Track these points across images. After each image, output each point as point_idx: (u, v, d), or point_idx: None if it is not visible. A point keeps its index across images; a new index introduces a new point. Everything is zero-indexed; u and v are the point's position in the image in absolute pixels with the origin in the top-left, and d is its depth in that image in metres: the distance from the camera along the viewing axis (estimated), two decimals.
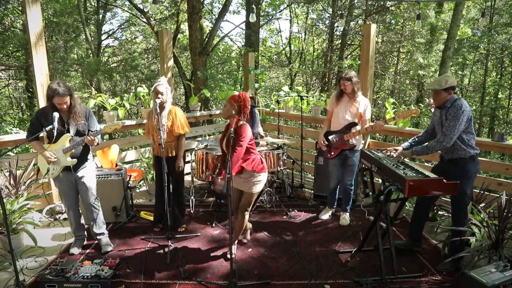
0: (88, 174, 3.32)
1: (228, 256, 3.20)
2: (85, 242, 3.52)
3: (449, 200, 3.79)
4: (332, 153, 4.02)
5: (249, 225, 3.64)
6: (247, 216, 3.30)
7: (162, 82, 3.55)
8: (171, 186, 3.66)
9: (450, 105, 2.97)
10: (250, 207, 3.28)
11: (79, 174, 3.26)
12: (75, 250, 3.37)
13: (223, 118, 3.24)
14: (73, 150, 3.18)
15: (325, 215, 4.24)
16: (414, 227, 3.44)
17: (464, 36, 13.84)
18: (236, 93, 3.14)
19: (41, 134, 3.18)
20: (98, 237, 3.46)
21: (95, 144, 3.21)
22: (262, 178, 3.18)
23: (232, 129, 2.95)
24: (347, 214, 4.16)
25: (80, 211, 3.48)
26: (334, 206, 4.32)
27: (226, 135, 3.19)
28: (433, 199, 3.44)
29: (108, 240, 3.50)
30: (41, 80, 3.92)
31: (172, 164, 3.66)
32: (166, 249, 3.39)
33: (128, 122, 4.82)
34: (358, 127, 3.91)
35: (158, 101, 3.46)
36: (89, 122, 3.26)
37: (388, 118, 3.93)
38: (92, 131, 3.21)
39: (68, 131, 3.16)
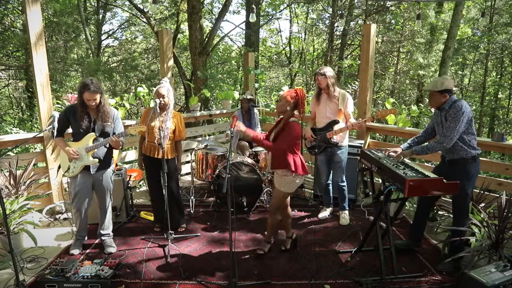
0: (108, 177, 3.37)
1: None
2: (84, 241, 3.52)
3: (449, 200, 3.79)
4: (316, 150, 4.04)
5: (291, 234, 3.51)
6: (278, 217, 3.27)
7: (164, 84, 3.55)
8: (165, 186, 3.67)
9: (449, 106, 2.96)
10: (279, 206, 3.23)
11: (99, 176, 3.29)
12: (75, 251, 3.36)
13: (277, 113, 3.23)
14: (95, 150, 3.19)
15: (323, 214, 4.24)
16: (416, 227, 3.44)
17: (464, 36, 13.84)
18: (286, 87, 3.14)
19: (68, 131, 3.25)
20: (102, 237, 3.48)
21: (120, 146, 3.25)
22: (292, 180, 3.10)
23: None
24: (346, 212, 4.16)
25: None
26: (331, 205, 4.32)
27: (275, 129, 3.20)
28: (435, 199, 3.44)
29: (112, 241, 3.51)
30: (41, 80, 3.92)
31: (168, 165, 3.68)
32: (166, 249, 3.39)
33: (128, 122, 4.82)
34: (342, 125, 3.91)
35: (158, 101, 3.46)
36: (115, 124, 3.29)
37: (368, 118, 3.95)
38: (118, 133, 3.23)
39: (93, 130, 3.18)
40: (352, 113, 3.98)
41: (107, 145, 3.29)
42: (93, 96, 3.05)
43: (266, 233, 3.48)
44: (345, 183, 4.11)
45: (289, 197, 3.32)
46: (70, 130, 3.31)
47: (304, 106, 3.08)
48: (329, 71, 3.86)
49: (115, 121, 3.30)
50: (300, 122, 3.14)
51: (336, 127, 3.88)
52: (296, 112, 3.10)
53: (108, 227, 3.50)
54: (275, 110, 3.23)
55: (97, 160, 3.22)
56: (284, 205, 3.29)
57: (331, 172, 4.14)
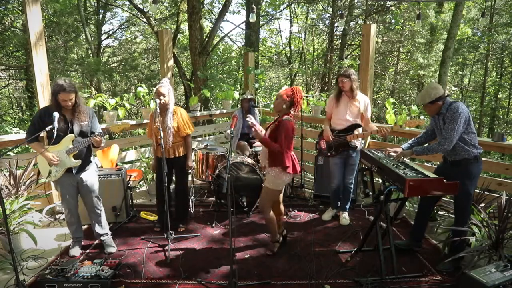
0: (91, 176, 3.30)
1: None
2: (84, 242, 3.52)
3: (450, 200, 3.80)
4: (333, 152, 4.00)
5: (282, 230, 3.52)
6: (270, 214, 3.27)
7: (164, 84, 3.55)
8: (172, 185, 3.66)
9: (446, 110, 2.96)
10: (268, 203, 3.24)
11: (82, 176, 3.23)
12: (75, 252, 3.35)
13: (275, 112, 3.27)
14: (76, 151, 3.11)
15: (328, 215, 4.22)
16: (417, 227, 3.43)
17: (464, 36, 13.83)
18: (285, 87, 3.21)
19: (42, 134, 3.13)
20: (101, 238, 3.47)
21: (102, 145, 3.19)
22: (282, 178, 3.15)
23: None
24: (346, 213, 4.16)
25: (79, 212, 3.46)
26: (338, 207, 4.30)
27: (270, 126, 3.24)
28: (436, 200, 3.43)
29: (112, 241, 3.50)
30: (41, 80, 3.92)
31: (180, 163, 3.74)
32: (166, 249, 3.39)
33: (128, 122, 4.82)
34: (361, 129, 3.90)
35: (158, 101, 3.46)
36: (92, 123, 3.21)
37: (395, 125, 3.96)
38: (98, 132, 3.17)
39: (72, 132, 3.09)
40: (370, 117, 3.98)
41: (87, 145, 3.19)
42: (69, 96, 2.94)
43: (269, 234, 3.53)
44: (353, 185, 4.11)
45: (281, 194, 3.38)
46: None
47: (300, 104, 3.12)
48: (353, 73, 3.79)
49: (92, 119, 3.20)
50: (298, 121, 3.15)
51: (356, 131, 3.87)
52: (291, 111, 3.14)
53: (104, 227, 3.47)
54: (274, 110, 3.27)
55: (80, 161, 3.14)
56: (277, 201, 3.35)
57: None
